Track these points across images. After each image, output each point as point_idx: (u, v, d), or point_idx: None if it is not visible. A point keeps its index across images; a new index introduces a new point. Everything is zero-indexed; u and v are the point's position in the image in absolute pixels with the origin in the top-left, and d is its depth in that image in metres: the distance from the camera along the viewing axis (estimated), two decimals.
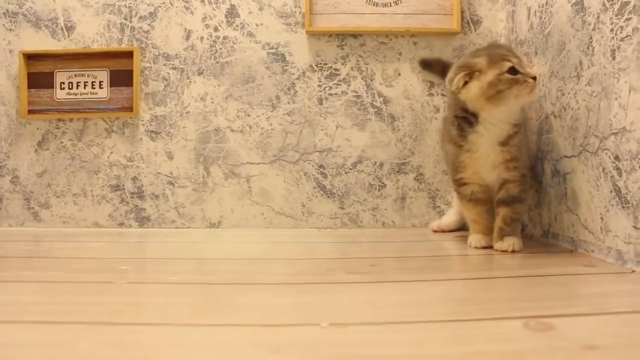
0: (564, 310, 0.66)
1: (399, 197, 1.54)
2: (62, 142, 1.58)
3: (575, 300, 0.73)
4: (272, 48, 1.55)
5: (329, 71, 1.55)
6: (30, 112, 1.57)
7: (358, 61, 1.55)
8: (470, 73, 1.05)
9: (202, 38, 1.56)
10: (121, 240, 1.33)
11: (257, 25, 1.55)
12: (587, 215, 1.04)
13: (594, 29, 1.01)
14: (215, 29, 1.56)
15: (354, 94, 1.55)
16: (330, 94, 1.55)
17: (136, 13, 1.56)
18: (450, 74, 1.08)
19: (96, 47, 1.57)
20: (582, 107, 1.06)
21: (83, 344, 0.55)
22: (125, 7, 1.56)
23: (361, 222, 1.55)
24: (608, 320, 0.62)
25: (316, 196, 1.55)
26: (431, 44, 1.54)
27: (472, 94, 1.05)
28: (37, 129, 1.58)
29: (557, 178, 1.18)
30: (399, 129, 1.54)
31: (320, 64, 1.55)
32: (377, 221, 1.54)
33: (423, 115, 1.54)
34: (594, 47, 1.01)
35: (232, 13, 1.56)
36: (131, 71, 1.55)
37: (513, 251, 1.08)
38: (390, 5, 1.53)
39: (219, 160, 1.56)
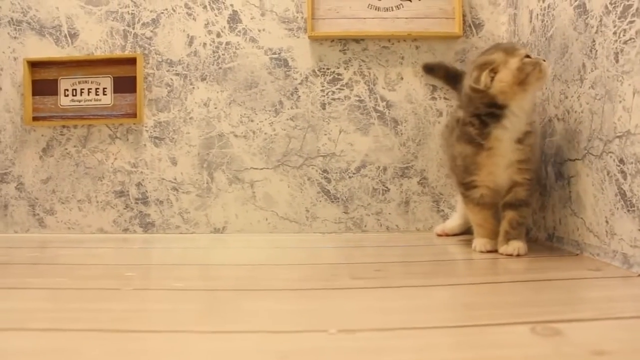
0: (570, 315, 0.66)
1: (402, 201, 1.54)
2: (66, 149, 1.59)
3: (582, 305, 0.73)
4: (274, 53, 1.56)
5: (332, 76, 1.55)
6: (34, 119, 1.58)
7: (360, 66, 1.55)
8: (494, 68, 1.07)
9: (204, 44, 1.56)
10: (126, 246, 1.33)
11: (259, 30, 1.56)
12: (592, 218, 1.04)
13: (596, 32, 1.01)
14: (218, 35, 1.56)
15: (357, 98, 1.55)
16: (333, 99, 1.55)
17: (139, 20, 1.57)
18: (473, 76, 1.09)
19: (99, 54, 1.58)
20: (586, 110, 1.06)
21: (89, 351, 0.55)
22: (128, 14, 1.57)
23: (365, 226, 1.55)
24: (615, 325, 0.62)
25: (320, 201, 1.55)
26: (433, 47, 1.55)
27: (505, 82, 1.06)
28: (42, 135, 1.59)
29: (561, 181, 1.18)
30: (402, 133, 1.54)
31: (323, 68, 1.55)
32: (381, 225, 1.54)
33: (426, 119, 1.54)
34: (597, 50, 1.01)
35: (234, 19, 1.56)
36: (134, 77, 1.56)
37: (518, 255, 1.08)
38: (392, 10, 1.53)
39: (222, 166, 1.56)
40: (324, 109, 1.55)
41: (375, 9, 1.53)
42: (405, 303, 0.75)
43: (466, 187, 1.16)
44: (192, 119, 1.56)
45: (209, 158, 1.56)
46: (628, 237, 0.92)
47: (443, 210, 1.54)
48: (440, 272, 0.98)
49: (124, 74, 1.57)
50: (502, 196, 1.14)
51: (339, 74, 1.55)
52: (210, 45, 1.56)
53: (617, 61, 0.94)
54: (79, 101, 1.58)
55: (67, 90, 1.58)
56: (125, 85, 1.57)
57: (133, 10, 1.57)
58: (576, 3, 1.09)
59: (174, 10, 1.57)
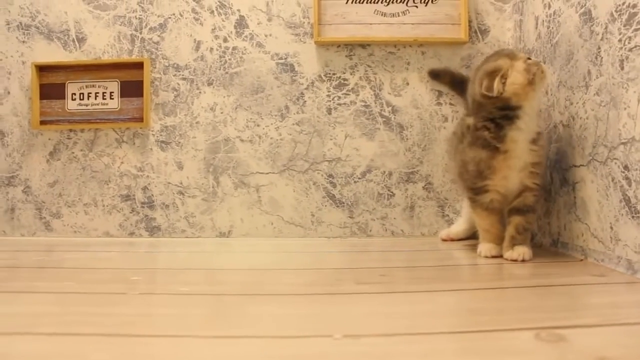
0: (574, 321, 0.66)
1: (408, 206, 1.55)
2: (73, 153, 1.60)
3: (586, 311, 0.73)
4: (281, 58, 1.56)
5: (338, 81, 1.56)
6: (42, 122, 1.59)
7: (366, 71, 1.55)
8: (504, 73, 1.09)
9: (211, 49, 1.57)
10: (132, 250, 1.34)
11: (266, 35, 1.57)
12: (597, 224, 1.04)
13: (602, 39, 1.02)
14: (225, 40, 1.57)
15: (363, 103, 1.55)
16: (339, 104, 1.55)
17: (146, 24, 1.58)
18: (484, 85, 1.10)
19: (107, 58, 1.59)
20: (591, 116, 1.06)
21: (96, 356, 0.56)
22: (136, 18, 1.58)
23: (370, 231, 1.55)
24: (619, 331, 0.62)
25: (325, 205, 1.55)
26: (439, 53, 1.55)
27: (517, 84, 1.09)
28: (49, 139, 1.60)
29: (566, 187, 1.18)
30: (407, 138, 1.55)
31: (329, 74, 1.56)
32: (386, 230, 1.55)
33: (432, 125, 1.55)
34: (602, 57, 1.01)
35: (241, 24, 1.57)
36: (141, 82, 1.57)
37: (523, 260, 1.08)
38: (398, 15, 1.54)
39: (228, 170, 1.56)
40: (329, 114, 1.55)
41: (382, 15, 1.54)
42: (410, 308, 0.75)
43: (477, 191, 1.16)
44: (198, 123, 1.57)
45: (215, 162, 1.57)
46: (632, 243, 0.92)
47: (448, 215, 1.55)
48: (445, 277, 0.98)
49: (131, 78, 1.58)
50: (509, 202, 1.15)
51: (345, 79, 1.56)
52: (217, 50, 1.57)
53: (622, 68, 0.95)
54: (86, 105, 1.59)
55: (75, 94, 1.59)
56: (132, 89, 1.58)
57: (141, 15, 1.58)
58: (582, 10, 1.10)
59: (181, 15, 1.58)
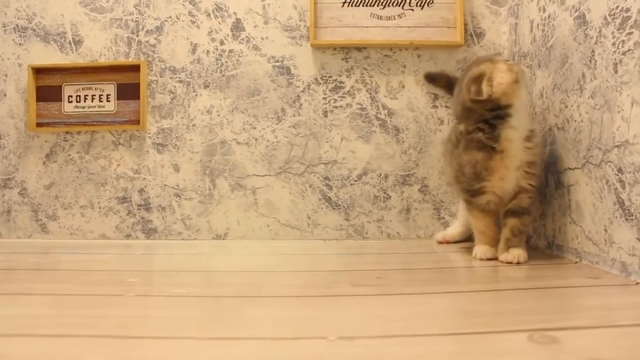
0: (568, 323, 0.66)
1: (403, 208, 1.55)
2: (69, 155, 1.60)
3: (580, 313, 0.73)
4: (277, 61, 1.57)
5: (334, 84, 1.56)
6: (38, 125, 1.59)
7: (362, 74, 1.56)
8: (489, 77, 1.11)
9: (208, 52, 1.57)
10: (128, 252, 1.34)
11: (262, 38, 1.57)
12: (591, 227, 1.05)
13: (596, 43, 1.02)
14: (221, 43, 1.57)
15: (359, 106, 1.56)
16: (335, 107, 1.56)
17: (143, 27, 1.58)
18: (472, 90, 1.12)
19: (103, 60, 1.59)
20: (585, 119, 1.07)
21: (93, 357, 0.56)
22: (132, 21, 1.58)
23: (366, 233, 1.55)
24: (613, 333, 0.63)
25: (321, 208, 1.56)
26: (435, 56, 1.56)
27: (504, 83, 1.11)
28: (45, 141, 1.60)
29: (560, 190, 1.18)
30: (403, 141, 1.55)
31: (325, 76, 1.56)
32: (382, 232, 1.55)
33: (427, 127, 1.55)
34: (596, 61, 1.02)
35: (237, 27, 1.57)
36: (138, 84, 1.57)
37: (518, 263, 1.09)
38: (394, 19, 1.54)
39: (225, 173, 1.57)
40: (325, 116, 1.56)
41: (378, 18, 1.54)
42: (405, 310, 0.75)
43: (473, 193, 1.16)
44: (194, 125, 1.57)
45: (211, 165, 1.57)
46: (626, 245, 0.93)
47: (444, 218, 1.55)
48: (441, 279, 0.98)
49: (127, 81, 1.58)
50: (505, 204, 1.15)
51: (341, 82, 1.56)
52: (214, 52, 1.57)
53: (616, 72, 0.95)
54: (83, 107, 1.59)
55: (71, 96, 1.59)
56: (129, 92, 1.58)
57: (137, 18, 1.58)
58: (576, 14, 1.10)
59: (178, 18, 1.58)
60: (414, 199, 1.55)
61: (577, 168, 1.10)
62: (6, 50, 1.60)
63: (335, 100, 1.56)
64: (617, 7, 0.95)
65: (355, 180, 1.56)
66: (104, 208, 1.59)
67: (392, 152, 1.55)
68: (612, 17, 0.96)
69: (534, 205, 1.16)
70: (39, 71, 1.59)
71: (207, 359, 0.56)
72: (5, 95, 1.61)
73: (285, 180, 1.56)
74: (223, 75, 1.57)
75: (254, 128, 1.56)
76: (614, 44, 0.96)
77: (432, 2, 1.54)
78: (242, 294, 0.86)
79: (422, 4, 1.54)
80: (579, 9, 1.09)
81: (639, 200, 0.89)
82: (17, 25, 1.60)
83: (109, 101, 1.59)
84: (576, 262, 1.10)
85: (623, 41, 0.93)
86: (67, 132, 1.60)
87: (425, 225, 1.55)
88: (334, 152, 1.56)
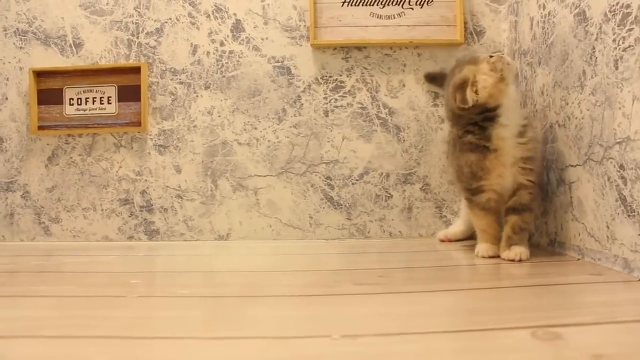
0: (571, 319, 0.66)
1: (405, 207, 1.55)
2: (71, 157, 1.60)
3: (582, 309, 0.73)
4: (277, 61, 1.57)
5: (334, 83, 1.56)
6: (40, 128, 1.59)
7: (363, 73, 1.56)
8: (473, 82, 1.12)
9: (208, 53, 1.57)
10: (131, 254, 1.34)
11: (262, 39, 1.57)
12: (593, 223, 1.05)
13: (596, 39, 1.02)
14: (221, 44, 1.57)
15: (360, 105, 1.56)
16: (336, 106, 1.56)
17: (143, 29, 1.59)
18: (457, 99, 1.13)
19: (104, 63, 1.59)
20: (586, 116, 1.07)
21: (97, 358, 0.56)
22: (132, 23, 1.59)
23: (368, 232, 1.55)
24: (615, 329, 0.63)
25: (323, 207, 1.56)
26: (435, 55, 1.56)
27: (488, 85, 1.11)
28: (47, 144, 1.61)
29: (562, 187, 1.18)
30: (404, 140, 1.55)
31: (326, 76, 1.56)
32: (384, 231, 1.55)
33: (428, 126, 1.55)
34: (596, 57, 1.02)
35: (237, 28, 1.58)
36: (139, 86, 1.57)
37: (520, 260, 1.09)
38: (394, 18, 1.54)
39: (226, 173, 1.57)
40: (326, 116, 1.56)
41: (378, 17, 1.54)
42: (408, 308, 0.75)
43: (473, 192, 1.17)
44: (196, 127, 1.57)
45: (212, 166, 1.57)
46: (629, 242, 0.93)
47: (445, 216, 1.55)
48: (443, 277, 0.98)
49: (128, 83, 1.59)
50: (505, 201, 1.16)
51: (341, 82, 1.56)
52: (214, 53, 1.57)
53: (616, 68, 0.95)
54: (84, 110, 1.60)
55: (72, 99, 1.60)
56: (130, 94, 1.58)
57: (137, 20, 1.59)
58: (576, 11, 1.10)
59: (178, 20, 1.58)
60: (415, 198, 1.55)
61: (579, 165, 1.10)
62: (7, 53, 1.61)
63: (336, 99, 1.56)
64: (617, 4, 0.95)
65: (356, 180, 1.56)
66: (106, 210, 1.59)
67: (394, 151, 1.55)
68: (613, 13, 0.96)
69: (534, 201, 1.16)
70: (40, 74, 1.60)
71: (211, 359, 0.56)
72: (6, 99, 1.61)
73: (287, 180, 1.56)
74: (223, 76, 1.57)
75: (255, 128, 1.57)
76: (614, 40, 0.96)
77: (432, 1, 1.54)
78: (244, 294, 0.86)
79: (422, 2, 1.54)
80: (579, 5, 1.09)
81: None
82: (17, 29, 1.60)
83: (110, 103, 1.59)
84: (578, 259, 1.10)
85: (624, 37, 0.93)
86: (68, 135, 1.60)
87: (427, 223, 1.55)
88: (335, 152, 1.56)
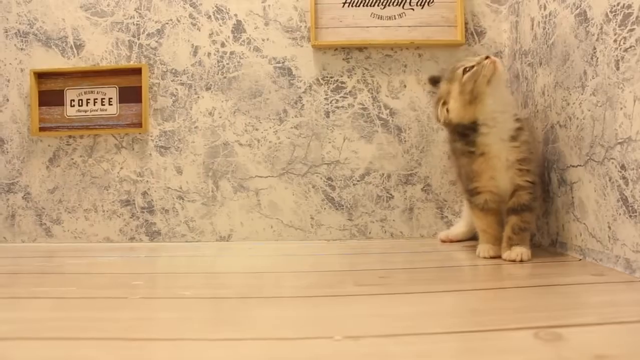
0: (573, 320, 0.66)
1: (406, 208, 1.55)
2: (72, 159, 1.60)
3: (585, 310, 0.73)
4: (278, 62, 1.57)
5: (335, 84, 1.56)
6: (41, 129, 1.59)
7: (364, 74, 1.56)
8: (445, 100, 1.15)
9: (209, 54, 1.58)
10: (132, 255, 1.34)
11: (263, 40, 1.57)
12: (595, 224, 1.05)
13: (597, 40, 1.02)
14: (222, 45, 1.58)
15: (361, 106, 1.56)
16: (337, 107, 1.56)
17: (144, 30, 1.59)
18: (434, 113, 1.19)
19: (105, 64, 1.59)
20: (588, 116, 1.06)
21: (98, 359, 0.56)
22: (133, 24, 1.59)
23: (370, 233, 1.55)
24: (617, 329, 0.63)
25: (325, 208, 1.56)
26: (436, 55, 1.56)
27: (456, 108, 1.13)
28: (48, 146, 1.61)
29: (563, 187, 1.18)
30: (405, 141, 1.55)
31: (327, 77, 1.56)
32: (385, 232, 1.55)
33: (429, 127, 1.55)
34: (597, 58, 1.02)
35: (238, 29, 1.58)
36: (140, 87, 1.57)
37: (521, 261, 1.09)
38: (395, 18, 1.54)
39: (227, 174, 1.57)
40: (327, 117, 1.56)
41: (379, 18, 1.54)
42: (409, 309, 0.75)
43: (471, 193, 1.18)
44: (197, 128, 1.57)
45: (214, 167, 1.57)
46: (630, 242, 0.92)
47: (447, 217, 1.55)
48: (445, 278, 0.98)
49: (129, 84, 1.59)
50: (505, 202, 1.16)
51: (342, 82, 1.56)
52: (215, 54, 1.58)
53: (617, 68, 0.95)
54: (85, 111, 1.60)
55: (73, 100, 1.60)
56: (131, 95, 1.59)
57: (138, 21, 1.59)
58: (577, 11, 1.10)
59: (179, 21, 1.58)
60: (417, 199, 1.55)
61: (580, 165, 1.10)
62: (8, 55, 1.61)
63: (337, 100, 1.56)
64: (618, 4, 0.95)
65: (358, 180, 1.56)
66: (107, 211, 1.59)
67: (395, 151, 1.55)
68: (614, 13, 0.96)
69: (535, 201, 1.15)
70: (41, 76, 1.60)
71: None
72: (7, 100, 1.61)
73: (288, 181, 1.56)
74: (224, 77, 1.57)
75: (256, 129, 1.57)
76: (615, 40, 0.96)
77: (433, 2, 1.54)
78: (246, 295, 0.86)
79: (423, 3, 1.54)
80: (580, 6, 1.09)
81: None
82: (18, 31, 1.61)
83: (111, 104, 1.59)
84: (580, 260, 1.10)
85: (625, 38, 0.93)
86: (69, 136, 1.60)
87: (429, 224, 1.55)
88: (336, 153, 1.56)
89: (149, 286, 0.96)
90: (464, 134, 1.14)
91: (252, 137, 1.57)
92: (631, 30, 0.91)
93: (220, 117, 1.57)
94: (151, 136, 1.58)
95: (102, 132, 1.59)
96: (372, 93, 1.56)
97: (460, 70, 1.13)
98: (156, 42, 1.59)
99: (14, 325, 0.71)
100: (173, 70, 1.58)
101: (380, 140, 1.56)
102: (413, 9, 1.54)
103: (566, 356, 0.53)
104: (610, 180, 0.99)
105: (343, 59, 1.57)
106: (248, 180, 1.57)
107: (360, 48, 1.56)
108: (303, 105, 1.56)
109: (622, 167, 0.94)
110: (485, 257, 1.16)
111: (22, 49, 1.61)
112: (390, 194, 1.55)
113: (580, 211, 1.11)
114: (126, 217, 1.59)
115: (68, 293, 0.90)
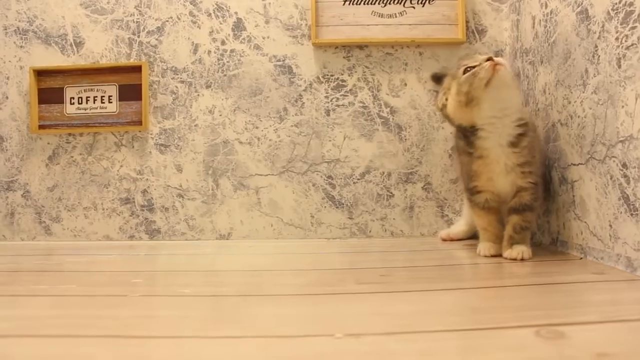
0: (574, 318, 0.66)
1: (407, 206, 1.55)
2: (72, 157, 1.60)
3: (586, 308, 0.73)
4: (279, 60, 1.57)
5: (336, 82, 1.56)
6: (40, 127, 1.59)
7: (364, 72, 1.56)
8: (445, 92, 1.17)
9: (209, 51, 1.57)
10: (132, 253, 1.34)
11: (263, 38, 1.57)
12: (596, 222, 1.05)
13: (599, 38, 1.02)
14: (223, 43, 1.57)
15: (361, 104, 1.56)
16: (338, 105, 1.56)
17: (144, 28, 1.58)
18: (436, 98, 1.22)
19: (105, 62, 1.59)
20: (589, 115, 1.06)
21: (98, 357, 0.56)
22: (133, 22, 1.58)
23: (370, 231, 1.55)
24: (618, 328, 0.63)
25: (325, 207, 1.55)
26: (437, 54, 1.55)
27: (452, 107, 1.14)
28: (48, 143, 1.60)
29: (564, 186, 1.18)
30: (406, 139, 1.55)
31: (327, 75, 1.56)
32: (385, 231, 1.55)
33: (430, 125, 1.55)
34: (599, 56, 1.02)
35: (238, 26, 1.57)
36: (140, 85, 1.57)
37: (522, 259, 1.09)
38: (396, 16, 1.54)
39: (227, 173, 1.57)
40: (328, 115, 1.56)
41: (379, 16, 1.54)
42: (410, 307, 0.75)
43: (471, 192, 1.18)
44: (197, 126, 1.57)
45: (214, 165, 1.57)
46: (632, 240, 0.92)
47: (447, 215, 1.55)
48: (445, 276, 0.98)
49: (129, 82, 1.58)
50: (507, 201, 1.15)
51: (343, 81, 1.56)
52: (215, 52, 1.57)
53: (619, 66, 0.95)
54: (85, 109, 1.59)
55: (73, 98, 1.59)
56: (131, 93, 1.58)
57: (138, 19, 1.58)
58: (578, 9, 1.10)
59: (179, 19, 1.58)
60: (417, 197, 1.55)
61: (581, 164, 1.10)
62: (7, 52, 1.61)
63: (338, 98, 1.56)
64: (620, 2, 0.95)
65: (358, 179, 1.55)
66: (107, 209, 1.59)
67: (395, 150, 1.55)
68: (615, 11, 0.96)
69: (537, 201, 1.14)
70: (40, 73, 1.59)
71: (213, 358, 0.56)
72: (7, 98, 1.61)
73: (288, 179, 1.56)
74: (225, 75, 1.57)
75: (257, 127, 1.56)
76: (617, 38, 0.96)
77: (433, 0, 1.53)
78: (246, 293, 0.86)
79: (424, 1, 1.53)
80: (582, 4, 1.09)
81: None
82: (18, 28, 1.60)
83: (111, 102, 1.59)
84: (581, 258, 1.10)
85: (626, 35, 0.93)
86: (69, 134, 1.60)
87: (429, 222, 1.55)
88: (336, 151, 1.56)
89: (149, 284, 0.96)
90: (465, 135, 1.14)
91: (252, 135, 1.56)
92: (633, 28, 0.91)
93: (220, 115, 1.57)
94: (151, 134, 1.58)
95: (101, 130, 1.58)
96: (372, 91, 1.56)
97: (462, 69, 1.12)
98: (156, 39, 1.58)
99: (13, 322, 0.71)
100: (173, 68, 1.58)
101: (381, 139, 1.55)
102: (414, 7, 1.54)
103: (568, 354, 0.53)
104: (611, 178, 0.98)
105: (344, 57, 1.56)
106: (248, 179, 1.57)
107: (361, 46, 1.56)
108: (303, 103, 1.56)
109: (624, 165, 0.94)
110: (485, 256, 1.15)
111: (21, 46, 1.60)
112: (391, 193, 1.55)
113: (581, 209, 1.11)
114: (126, 215, 1.59)
115: (67, 291, 0.89)
